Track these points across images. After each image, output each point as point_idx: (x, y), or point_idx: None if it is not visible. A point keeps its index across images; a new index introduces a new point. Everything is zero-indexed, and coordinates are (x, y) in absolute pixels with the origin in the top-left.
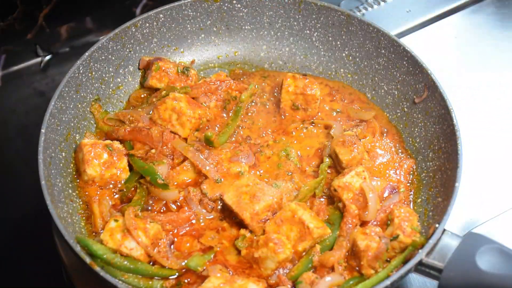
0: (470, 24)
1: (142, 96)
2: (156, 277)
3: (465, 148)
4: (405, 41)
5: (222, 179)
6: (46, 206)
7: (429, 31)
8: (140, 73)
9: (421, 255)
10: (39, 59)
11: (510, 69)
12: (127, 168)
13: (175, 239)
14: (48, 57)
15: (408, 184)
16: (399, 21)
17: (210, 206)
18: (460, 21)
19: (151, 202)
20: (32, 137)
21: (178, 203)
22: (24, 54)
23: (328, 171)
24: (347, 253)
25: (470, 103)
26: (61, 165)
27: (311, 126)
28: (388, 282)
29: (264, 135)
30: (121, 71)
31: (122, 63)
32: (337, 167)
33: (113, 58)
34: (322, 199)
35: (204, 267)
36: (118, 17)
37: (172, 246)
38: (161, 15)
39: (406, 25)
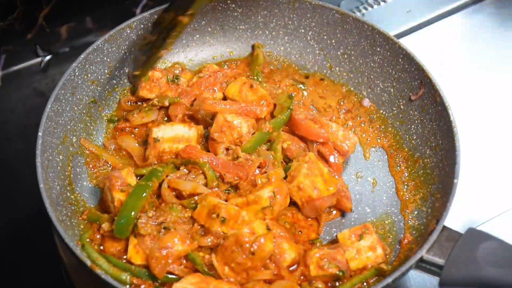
0: (470, 24)
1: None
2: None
3: (464, 146)
4: (405, 41)
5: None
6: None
7: (429, 31)
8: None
9: (421, 251)
10: (39, 59)
11: (510, 69)
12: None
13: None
14: (48, 57)
15: None
16: (399, 21)
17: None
18: (460, 21)
19: None
20: (32, 137)
21: None
22: (24, 54)
23: None
24: None
25: (471, 104)
26: (58, 168)
27: None
28: (389, 279)
29: None
30: (116, 73)
31: (117, 65)
32: None
33: (108, 60)
34: None
35: None
36: (118, 17)
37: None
38: (155, 16)
39: (406, 25)
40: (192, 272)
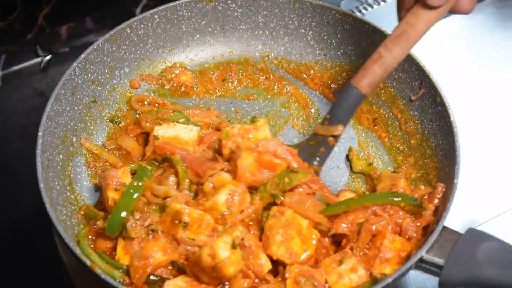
0: (470, 24)
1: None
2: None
3: (464, 146)
4: None
5: None
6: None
7: (429, 31)
8: (136, 73)
9: (421, 252)
10: (39, 59)
11: (510, 69)
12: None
13: None
14: (48, 57)
15: None
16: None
17: None
18: (460, 21)
19: None
20: (32, 137)
21: None
22: (24, 54)
23: None
24: None
25: (471, 104)
26: (58, 168)
27: None
28: (389, 279)
29: None
30: (116, 73)
31: (117, 65)
32: None
33: (108, 59)
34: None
35: None
36: (118, 17)
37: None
38: (156, 16)
39: None
40: (180, 274)
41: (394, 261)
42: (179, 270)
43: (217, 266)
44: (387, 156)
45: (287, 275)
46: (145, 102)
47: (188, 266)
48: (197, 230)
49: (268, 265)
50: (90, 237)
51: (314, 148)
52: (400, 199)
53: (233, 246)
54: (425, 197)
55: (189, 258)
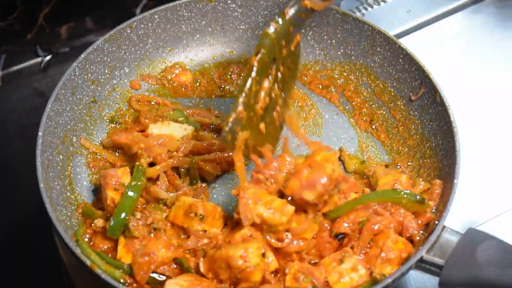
0: (470, 24)
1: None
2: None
3: (464, 146)
4: (405, 41)
5: None
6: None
7: (429, 31)
8: (136, 73)
9: (421, 252)
10: (39, 59)
11: (510, 69)
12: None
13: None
14: (48, 57)
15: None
16: (399, 21)
17: None
18: (460, 21)
19: None
20: (32, 137)
21: None
22: (24, 54)
23: None
24: None
25: (471, 104)
26: (58, 168)
27: None
28: (389, 279)
29: None
30: (116, 73)
31: (117, 65)
32: None
33: (108, 59)
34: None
35: None
36: (118, 17)
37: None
38: (156, 16)
39: (406, 25)
40: (183, 273)
41: (395, 262)
42: (181, 267)
43: (247, 270)
44: (387, 157)
45: (287, 271)
46: (145, 102)
47: (208, 258)
48: (212, 223)
49: (274, 264)
50: (87, 236)
51: (306, 20)
52: (403, 195)
53: (263, 255)
54: (424, 193)
55: (209, 254)
